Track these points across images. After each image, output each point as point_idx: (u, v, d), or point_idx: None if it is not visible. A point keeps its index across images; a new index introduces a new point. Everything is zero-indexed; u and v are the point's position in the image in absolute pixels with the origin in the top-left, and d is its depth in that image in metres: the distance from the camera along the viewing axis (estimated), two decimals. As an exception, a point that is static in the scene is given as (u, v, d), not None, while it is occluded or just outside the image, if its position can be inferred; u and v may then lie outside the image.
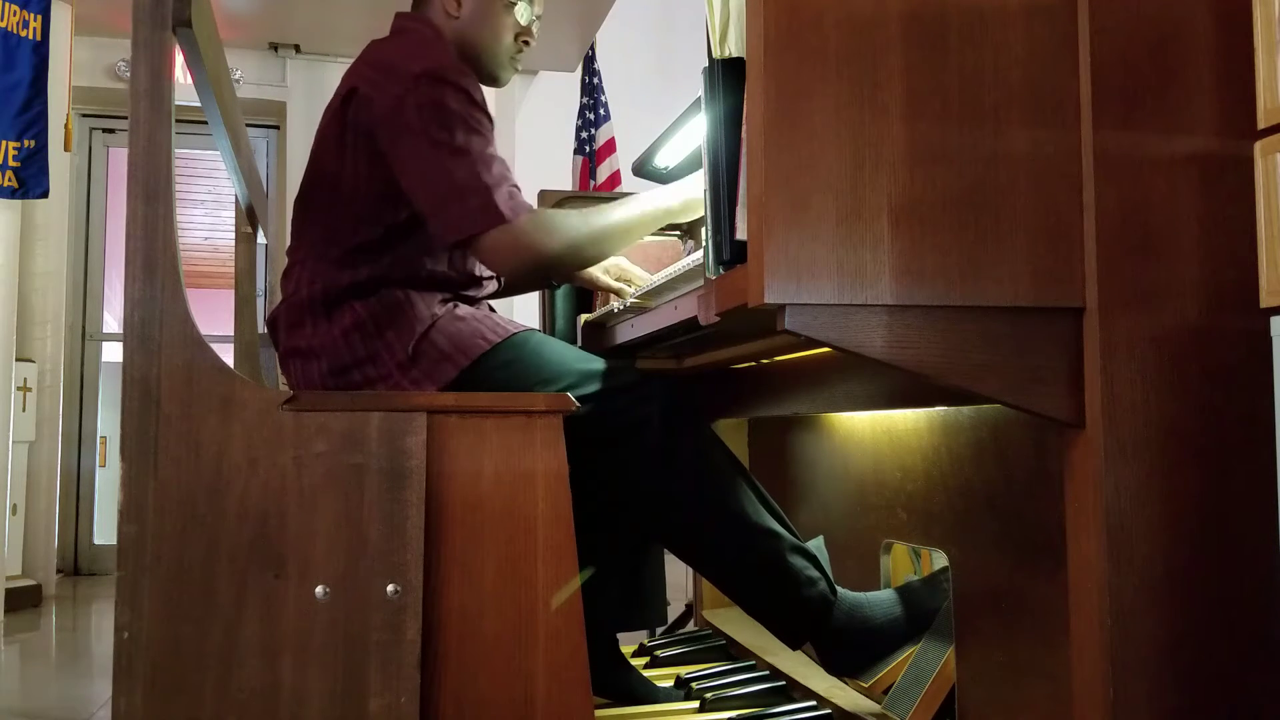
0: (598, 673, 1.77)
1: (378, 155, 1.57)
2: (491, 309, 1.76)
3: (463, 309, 1.63)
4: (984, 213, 1.07)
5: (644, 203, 1.68)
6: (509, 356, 1.57)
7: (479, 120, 1.55)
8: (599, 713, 1.74)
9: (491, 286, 1.78)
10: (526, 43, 1.78)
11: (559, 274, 1.85)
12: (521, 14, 1.76)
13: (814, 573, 1.58)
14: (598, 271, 1.90)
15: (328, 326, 1.59)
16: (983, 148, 1.07)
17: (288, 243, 1.70)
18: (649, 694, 1.87)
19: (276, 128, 5.09)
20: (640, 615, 2.05)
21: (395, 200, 1.58)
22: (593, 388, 1.55)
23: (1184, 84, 1.10)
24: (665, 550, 1.79)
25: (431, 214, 1.54)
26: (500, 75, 1.78)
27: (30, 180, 3.45)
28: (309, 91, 4.78)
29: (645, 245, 2.11)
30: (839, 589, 1.60)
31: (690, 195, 1.71)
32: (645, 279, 1.85)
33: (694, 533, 1.60)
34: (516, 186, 1.56)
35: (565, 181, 4.91)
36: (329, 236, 1.62)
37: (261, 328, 2.06)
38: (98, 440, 4.89)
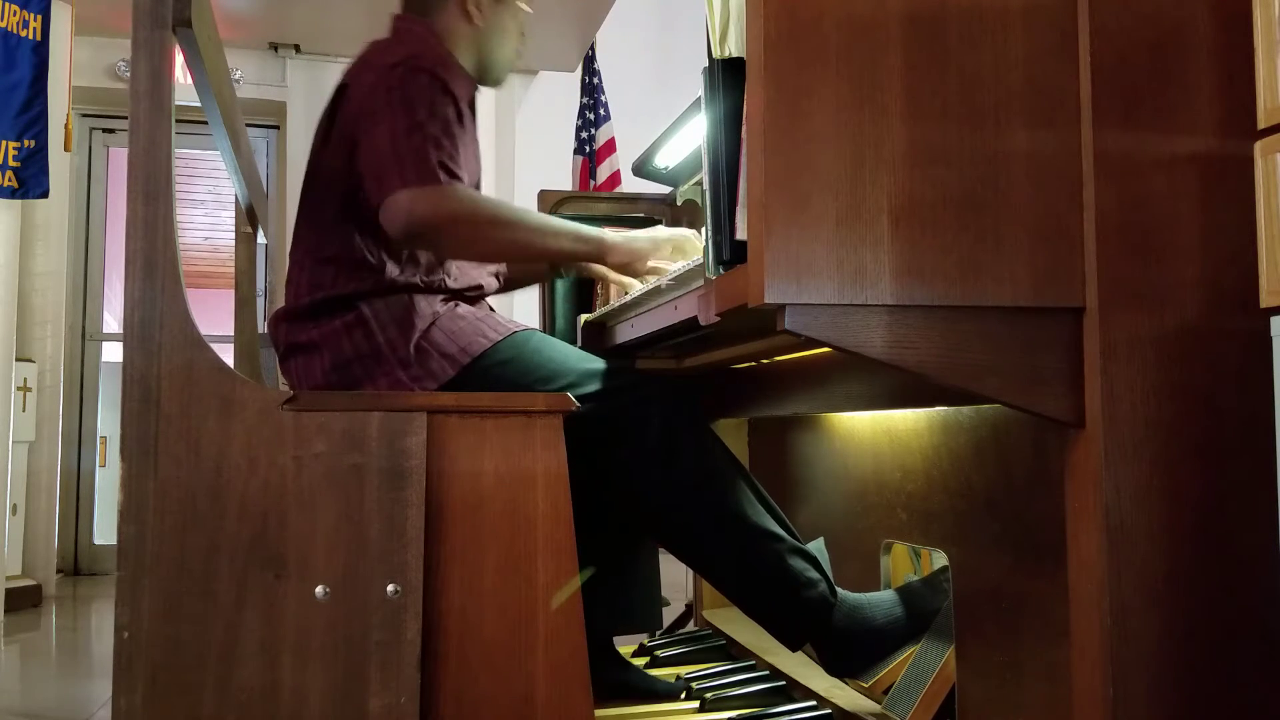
0: (595, 672, 1.77)
1: None
2: (491, 308, 1.76)
3: (464, 308, 1.63)
4: (984, 213, 1.07)
5: (559, 224, 1.64)
6: (509, 355, 1.57)
7: (445, 104, 1.54)
8: (599, 712, 1.74)
9: (493, 285, 1.77)
10: (523, 37, 1.84)
11: (443, 246, 1.64)
12: (526, 9, 1.81)
13: (814, 574, 1.58)
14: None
15: (328, 323, 1.59)
16: (983, 148, 1.07)
17: (288, 243, 1.70)
18: (649, 688, 1.87)
19: (276, 128, 5.09)
20: (636, 618, 2.05)
21: None
22: (593, 387, 1.55)
23: (1184, 84, 1.10)
24: (664, 551, 1.79)
25: (369, 182, 1.52)
26: (504, 77, 1.82)
27: (30, 180, 3.45)
28: (309, 91, 4.77)
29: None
30: (839, 590, 1.60)
31: (599, 236, 1.66)
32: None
33: (693, 533, 1.59)
34: (456, 166, 1.53)
35: (565, 181, 4.90)
36: (326, 240, 1.62)
37: (262, 328, 2.06)
38: (98, 440, 4.89)
